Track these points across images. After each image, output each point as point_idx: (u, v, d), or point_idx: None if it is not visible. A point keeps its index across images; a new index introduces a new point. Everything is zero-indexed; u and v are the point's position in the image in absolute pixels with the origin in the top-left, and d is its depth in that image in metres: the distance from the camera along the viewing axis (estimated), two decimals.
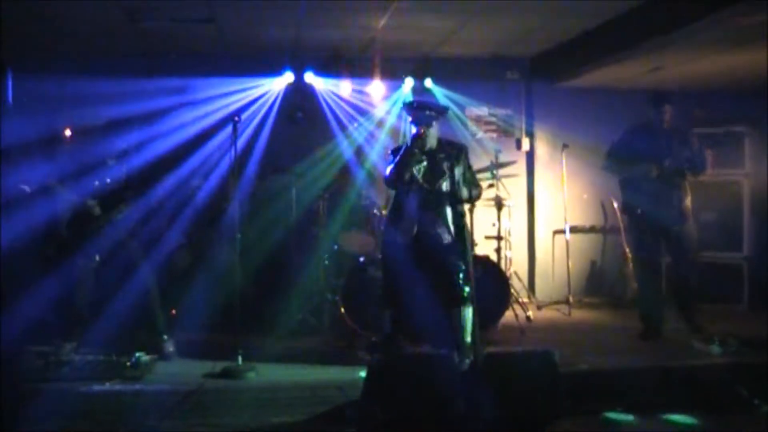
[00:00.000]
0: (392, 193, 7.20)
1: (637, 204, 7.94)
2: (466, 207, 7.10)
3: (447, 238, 6.67)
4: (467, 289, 6.61)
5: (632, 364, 7.11)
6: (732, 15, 7.06)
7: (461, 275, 6.61)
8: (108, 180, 7.16)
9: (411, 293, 6.59)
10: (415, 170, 6.71)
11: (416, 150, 6.66)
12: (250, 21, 8.46)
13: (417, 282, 6.58)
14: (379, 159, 9.04)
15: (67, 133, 7.46)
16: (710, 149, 8.07)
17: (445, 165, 6.77)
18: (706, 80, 9.85)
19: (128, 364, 6.67)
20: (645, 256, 8.04)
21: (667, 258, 8.11)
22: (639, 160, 7.81)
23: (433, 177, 6.74)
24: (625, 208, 8.27)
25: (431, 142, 6.77)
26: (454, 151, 6.86)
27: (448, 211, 6.73)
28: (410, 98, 9.52)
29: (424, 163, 6.74)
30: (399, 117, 9.69)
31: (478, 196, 7.21)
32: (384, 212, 8.19)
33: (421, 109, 6.85)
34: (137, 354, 6.79)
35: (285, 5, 7.82)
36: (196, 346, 7.43)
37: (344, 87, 9.91)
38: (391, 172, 6.77)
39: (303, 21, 8.38)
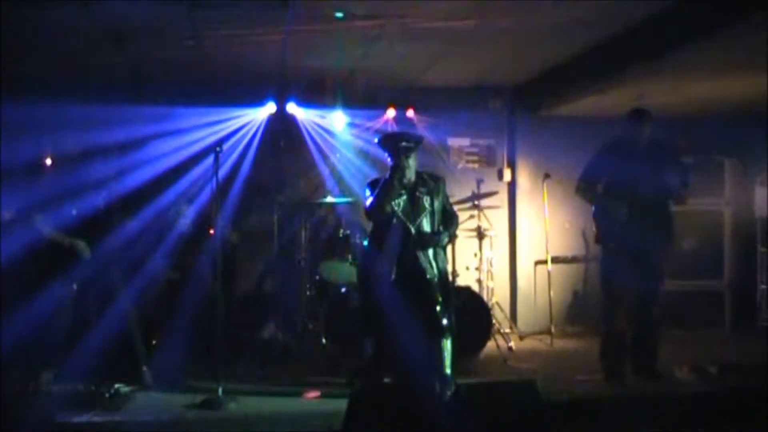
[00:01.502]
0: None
1: (612, 235, 7.40)
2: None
3: (428, 274, 6.63)
4: (446, 320, 6.58)
5: (615, 393, 7.08)
6: (714, 45, 7.12)
7: (440, 306, 6.58)
8: (89, 208, 7.12)
9: (392, 323, 6.55)
10: (394, 205, 6.66)
11: (395, 182, 6.61)
12: (234, 49, 8.45)
13: (397, 311, 6.54)
14: (360, 188, 9.03)
15: (49, 160, 7.43)
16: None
17: (426, 200, 6.73)
18: (688, 109, 9.91)
19: (107, 394, 6.62)
20: (612, 293, 7.44)
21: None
22: (612, 188, 7.39)
23: (413, 213, 6.68)
24: (599, 239, 7.63)
25: (410, 174, 6.71)
26: (433, 183, 6.83)
27: (430, 251, 6.70)
28: (384, 133, 9.54)
29: (404, 197, 6.69)
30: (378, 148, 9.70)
31: (455, 231, 7.16)
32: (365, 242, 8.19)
33: (396, 141, 6.81)
34: (116, 384, 6.73)
35: (267, 34, 7.82)
36: (176, 376, 7.35)
37: (338, 119, 9.90)
38: (371, 205, 6.70)
39: (285, 48, 8.38)
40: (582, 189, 7.59)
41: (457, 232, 8.23)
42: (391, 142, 6.81)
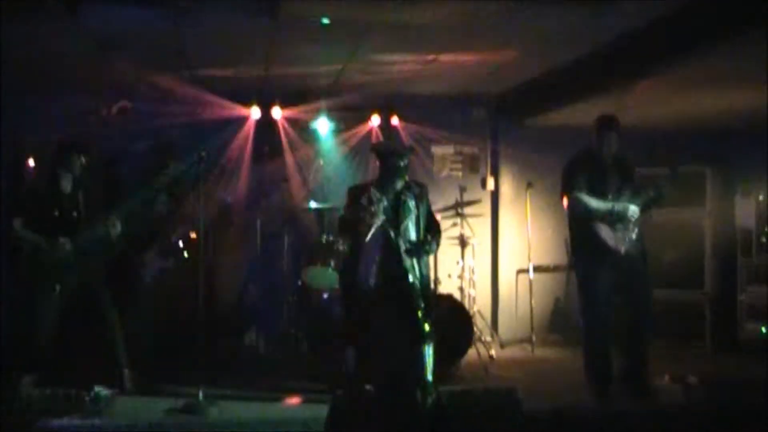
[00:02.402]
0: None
1: (588, 242, 7.25)
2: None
3: (410, 278, 6.60)
4: (427, 327, 6.55)
5: (597, 403, 7.08)
6: (696, 59, 7.15)
7: (422, 313, 6.56)
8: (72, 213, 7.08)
9: (373, 330, 6.53)
10: (374, 209, 6.60)
11: (374, 188, 6.56)
12: (219, 55, 8.44)
13: (379, 318, 6.52)
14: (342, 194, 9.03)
15: (30, 162, 7.39)
16: (671, 188, 7.77)
17: (411, 203, 6.70)
18: (670, 120, 9.96)
19: (87, 398, 6.55)
20: (598, 301, 7.26)
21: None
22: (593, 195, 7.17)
23: (397, 218, 6.61)
24: (584, 245, 7.39)
25: (396, 182, 6.64)
26: (418, 189, 6.80)
27: (414, 261, 6.66)
28: (376, 141, 9.55)
29: (384, 202, 6.59)
30: (364, 154, 9.70)
31: (439, 240, 7.13)
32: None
33: (389, 154, 6.77)
34: (97, 388, 6.68)
35: (252, 41, 7.81)
36: (157, 381, 7.33)
37: (322, 125, 9.90)
38: (343, 215, 6.71)
39: (271, 56, 8.37)
40: (573, 200, 7.27)
41: (441, 240, 8.25)
42: (383, 154, 6.79)
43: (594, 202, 7.18)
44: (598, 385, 7.28)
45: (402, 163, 6.65)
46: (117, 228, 7.12)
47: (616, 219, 7.14)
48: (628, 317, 7.40)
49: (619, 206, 7.14)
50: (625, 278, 7.23)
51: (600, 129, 7.30)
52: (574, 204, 7.28)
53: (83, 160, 7.19)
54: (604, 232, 7.14)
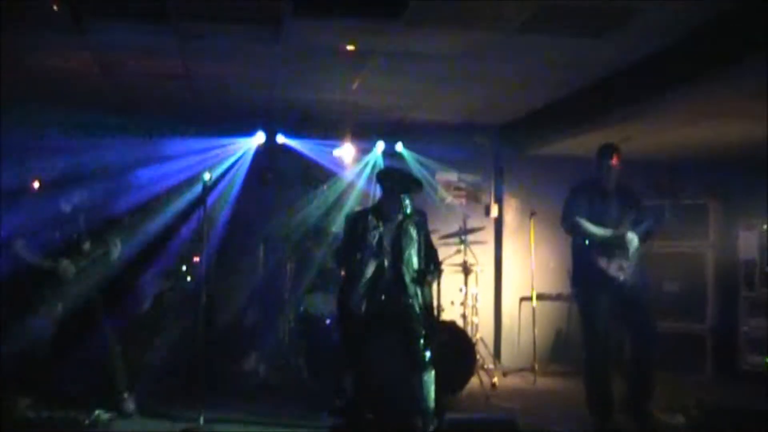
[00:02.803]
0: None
1: (586, 270, 7.25)
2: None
3: (416, 306, 6.57)
4: (428, 354, 6.53)
5: None
6: (699, 90, 7.15)
7: (422, 340, 6.53)
8: (73, 234, 7.07)
9: (373, 358, 6.50)
10: (371, 238, 6.60)
11: (371, 216, 6.56)
12: (223, 80, 8.47)
13: (378, 346, 6.50)
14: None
15: (35, 185, 7.39)
16: (673, 219, 7.75)
17: (413, 231, 6.68)
18: (673, 151, 9.95)
19: (86, 422, 6.54)
20: (598, 329, 7.22)
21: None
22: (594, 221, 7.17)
23: (400, 246, 6.60)
24: (581, 273, 7.39)
25: (398, 209, 6.62)
26: (418, 217, 6.78)
27: (418, 289, 6.64)
28: (381, 165, 9.56)
29: (381, 230, 6.60)
30: (369, 180, 9.72)
31: (439, 274, 7.11)
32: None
33: (399, 180, 6.74)
34: (96, 411, 6.65)
35: (256, 66, 7.84)
36: (157, 405, 7.30)
37: (326, 151, 9.91)
38: (338, 251, 6.73)
39: (276, 82, 8.39)
40: (572, 225, 7.30)
41: (443, 267, 8.25)
42: (392, 179, 6.78)
43: (592, 228, 7.18)
44: (599, 415, 7.23)
45: (405, 189, 6.64)
46: (118, 249, 7.12)
47: (614, 247, 7.11)
48: (632, 347, 7.39)
49: (617, 233, 7.12)
50: (626, 308, 7.21)
51: (602, 158, 7.30)
52: (572, 229, 7.31)
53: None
54: (602, 260, 7.12)
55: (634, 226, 7.18)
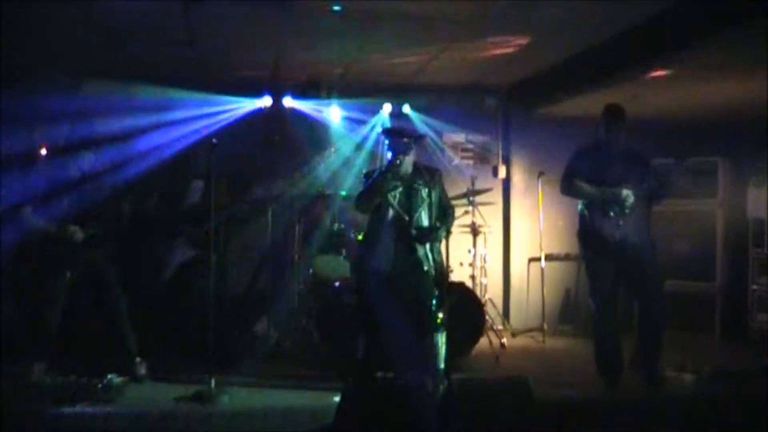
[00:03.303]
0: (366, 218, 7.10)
1: (585, 229, 7.33)
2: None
3: (425, 267, 6.60)
4: (441, 315, 6.56)
5: (607, 393, 7.08)
6: (708, 48, 7.11)
7: (435, 301, 6.56)
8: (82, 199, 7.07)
9: (385, 319, 6.52)
10: (391, 197, 6.64)
11: (389, 175, 6.59)
12: (229, 45, 8.43)
13: (391, 308, 6.51)
14: (355, 184, 9.02)
15: (43, 151, 7.38)
16: (682, 178, 7.74)
17: (423, 192, 6.71)
18: (682, 110, 9.91)
19: (99, 386, 6.58)
20: (601, 288, 7.28)
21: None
22: (597, 184, 7.16)
23: (410, 206, 6.65)
24: (583, 233, 7.44)
25: (407, 168, 6.70)
26: (429, 175, 6.80)
27: (427, 246, 6.67)
28: (388, 124, 9.53)
29: (400, 188, 6.67)
30: (376, 142, 9.70)
31: (452, 224, 7.13)
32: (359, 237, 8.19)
33: (398, 135, 6.79)
34: (108, 376, 6.70)
35: (263, 30, 7.80)
36: (169, 369, 7.35)
37: (334, 112, 9.88)
38: (361, 196, 6.68)
39: (281, 45, 8.35)
40: (568, 186, 7.36)
41: (453, 228, 8.27)
42: (393, 136, 6.80)
43: (586, 188, 7.20)
44: (607, 375, 7.29)
45: (410, 145, 6.67)
46: (126, 214, 7.13)
47: (611, 205, 7.11)
48: (639, 306, 7.45)
49: (611, 191, 7.11)
50: (629, 267, 7.22)
51: (607, 119, 7.30)
52: (568, 192, 7.37)
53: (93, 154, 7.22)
54: (598, 219, 7.16)
55: (638, 187, 7.16)
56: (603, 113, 7.34)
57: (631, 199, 7.08)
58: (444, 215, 6.84)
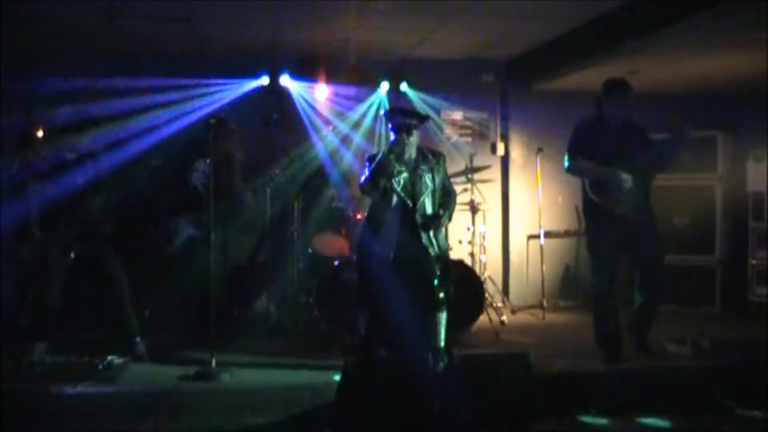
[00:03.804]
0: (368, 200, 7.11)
1: (587, 205, 7.39)
2: None
3: (431, 252, 6.61)
4: (443, 293, 6.59)
5: (607, 366, 7.10)
6: (708, 20, 7.10)
7: (438, 280, 6.58)
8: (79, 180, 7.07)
9: (387, 296, 6.54)
10: (395, 183, 6.63)
11: (392, 158, 6.58)
12: (226, 21, 8.41)
13: (393, 285, 6.53)
14: (354, 161, 9.03)
15: (40, 132, 7.39)
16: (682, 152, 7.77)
17: (427, 177, 6.71)
18: (681, 84, 9.91)
19: (100, 365, 6.63)
20: (602, 263, 7.35)
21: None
22: (601, 160, 7.18)
23: (414, 192, 6.65)
24: (586, 208, 7.49)
25: (410, 151, 6.68)
26: (433, 160, 6.79)
27: (431, 232, 6.68)
28: (391, 105, 9.53)
29: (405, 174, 6.66)
30: (374, 120, 9.70)
31: (454, 209, 7.13)
32: (359, 215, 8.20)
33: (401, 116, 6.77)
34: (109, 356, 6.73)
35: (260, 5, 7.79)
36: (169, 348, 7.40)
37: (320, 91, 9.86)
38: (365, 179, 6.65)
39: (278, 22, 8.34)
40: (573, 167, 7.41)
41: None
42: (396, 116, 6.78)
43: (589, 167, 7.24)
44: (607, 347, 7.34)
45: (414, 126, 6.65)
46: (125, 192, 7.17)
47: (611, 183, 7.14)
48: (639, 276, 7.45)
49: (611, 172, 7.13)
50: (631, 241, 7.26)
51: (607, 93, 7.27)
52: (572, 170, 7.42)
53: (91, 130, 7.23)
54: (598, 194, 7.21)
55: (638, 160, 7.18)
56: (602, 86, 7.30)
57: (629, 184, 7.11)
58: (446, 200, 6.85)
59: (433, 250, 6.60)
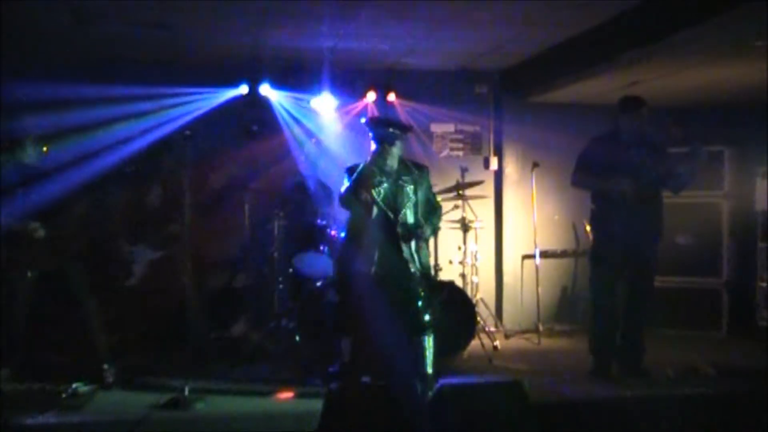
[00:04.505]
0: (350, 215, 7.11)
1: (608, 223, 7.59)
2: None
3: (412, 268, 6.61)
4: (428, 316, 6.58)
5: (605, 394, 7.10)
6: (711, 29, 7.12)
7: (422, 302, 6.58)
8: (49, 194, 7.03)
9: (370, 319, 6.53)
10: (375, 193, 6.64)
11: (374, 168, 6.59)
12: (205, 27, 8.40)
13: (377, 309, 6.52)
14: (337, 176, 9.01)
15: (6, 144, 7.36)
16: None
17: (409, 189, 6.73)
18: (685, 96, 9.92)
19: (65, 394, 6.57)
20: (602, 278, 7.66)
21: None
22: (610, 175, 7.45)
23: (396, 203, 6.68)
24: (591, 219, 7.87)
25: (392, 162, 6.72)
26: (416, 172, 6.82)
27: (413, 244, 6.68)
28: (372, 114, 9.53)
29: (385, 185, 6.68)
30: (359, 132, 9.69)
31: (439, 223, 7.14)
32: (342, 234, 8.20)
33: (383, 125, 6.80)
34: (75, 383, 6.68)
35: (240, 11, 7.78)
36: (140, 374, 7.33)
37: (315, 102, 9.84)
38: (346, 190, 6.67)
39: (260, 28, 8.33)
40: (579, 180, 7.73)
41: (441, 224, 8.30)
42: (378, 126, 6.80)
43: (589, 177, 7.56)
44: (597, 357, 7.64)
45: (396, 136, 6.68)
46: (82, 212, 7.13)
47: (615, 199, 7.39)
48: (629, 297, 7.64)
49: (616, 184, 7.37)
50: (629, 259, 7.49)
51: (621, 109, 7.58)
52: (578, 182, 7.76)
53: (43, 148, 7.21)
54: (604, 210, 7.54)
55: (647, 179, 7.38)
56: (617, 103, 7.62)
57: (631, 193, 7.32)
58: (431, 214, 6.86)
59: (414, 266, 6.60)
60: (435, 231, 7.06)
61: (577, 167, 7.68)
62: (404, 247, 6.61)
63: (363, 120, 7.16)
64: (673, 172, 7.48)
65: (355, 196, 6.60)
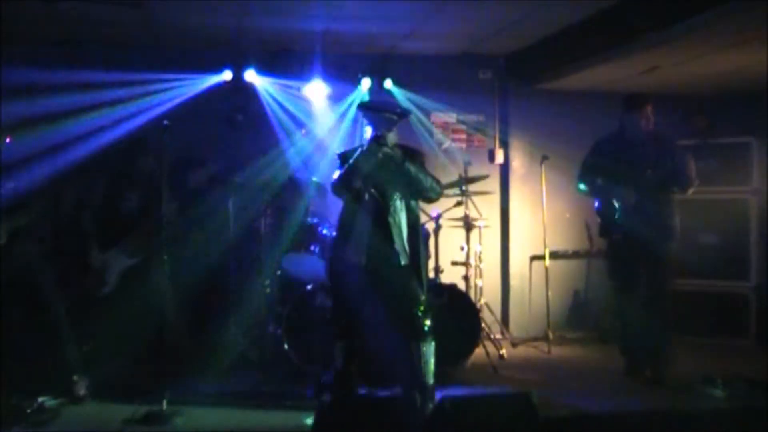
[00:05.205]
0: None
1: (616, 225, 7.84)
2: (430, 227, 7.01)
3: (402, 260, 6.58)
4: (428, 322, 6.54)
5: (621, 407, 7.12)
6: (737, 9, 7.08)
7: (421, 306, 6.53)
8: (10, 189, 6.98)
9: (366, 323, 6.51)
10: (368, 181, 6.61)
11: (369, 155, 6.56)
12: (182, 6, 8.34)
13: (371, 311, 6.50)
14: (329, 169, 8.97)
15: None
16: (710, 161, 8.03)
17: (402, 176, 6.69)
18: (709, 83, 9.91)
19: (29, 408, 6.50)
20: (621, 283, 7.99)
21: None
22: (614, 179, 7.72)
23: (388, 191, 6.65)
24: (602, 230, 8.14)
25: (387, 148, 6.68)
26: (410, 158, 6.79)
27: (403, 227, 6.65)
28: (366, 99, 9.50)
29: (379, 172, 6.63)
30: (353, 122, 9.66)
31: (440, 189, 7.06)
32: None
33: (378, 110, 6.78)
34: (41, 397, 6.63)
35: None
36: (115, 387, 7.25)
37: (305, 90, 9.80)
38: (339, 177, 6.65)
39: (245, 8, 8.28)
40: (582, 188, 8.12)
41: (441, 222, 8.30)
42: (373, 111, 6.78)
43: (591, 185, 7.96)
44: (631, 367, 7.98)
45: (392, 121, 6.72)
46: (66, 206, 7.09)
47: (618, 202, 7.74)
48: (645, 300, 7.82)
49: (611, 196, 7.76)
50: (643, 258, 7.74)
51: (625, 108, 7.82)
52: (579, 189, 8.15)
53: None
54: (610, 212, 7.83)
55: (653, 177, 7.61)
56: (625, 103, 7.84)
57: (632, 201, 7.67)
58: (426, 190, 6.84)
59: (404, 258, 6.55)
60: (437, 193, 6.98)
61: (581, 174, 8.02)
62: (395, 239, 6.56)
63: (357, 107, 7.16)
64: (680, 170, 7.67)
65: (347, 185, 6.58)
